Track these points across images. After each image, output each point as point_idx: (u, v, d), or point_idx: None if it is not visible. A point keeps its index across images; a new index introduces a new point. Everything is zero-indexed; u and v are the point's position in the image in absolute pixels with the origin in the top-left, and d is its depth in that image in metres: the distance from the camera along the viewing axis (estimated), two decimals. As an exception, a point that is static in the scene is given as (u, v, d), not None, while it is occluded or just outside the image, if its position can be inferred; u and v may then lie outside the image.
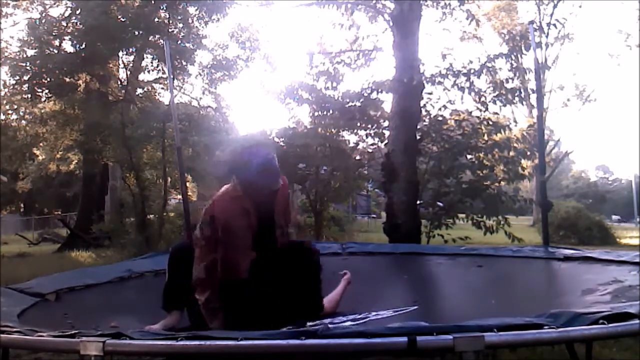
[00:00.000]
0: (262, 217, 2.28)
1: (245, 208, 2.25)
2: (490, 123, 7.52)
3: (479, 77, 7.31)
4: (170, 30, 10.85)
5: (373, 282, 3.51)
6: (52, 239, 16.27)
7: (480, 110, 7.52)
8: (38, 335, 1.75)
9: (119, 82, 12.56)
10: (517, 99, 7.47)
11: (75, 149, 14.07)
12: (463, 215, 7.49)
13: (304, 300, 2.26)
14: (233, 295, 2.20)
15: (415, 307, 2.65)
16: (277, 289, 2.23)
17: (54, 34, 10.98)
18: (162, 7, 10.87)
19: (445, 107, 7.68)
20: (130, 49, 11.27)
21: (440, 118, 7.76)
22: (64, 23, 11.32)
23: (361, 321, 2.47)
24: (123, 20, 10.37)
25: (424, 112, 7.46)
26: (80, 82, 11.50)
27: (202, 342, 1.55)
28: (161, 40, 10.19)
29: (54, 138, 14.09)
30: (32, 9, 12.99)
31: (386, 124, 8.03)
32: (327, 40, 9.73)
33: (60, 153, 15.59)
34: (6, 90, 12.25)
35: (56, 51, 11.02)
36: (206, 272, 2.27)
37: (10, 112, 13.87)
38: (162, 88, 13.17)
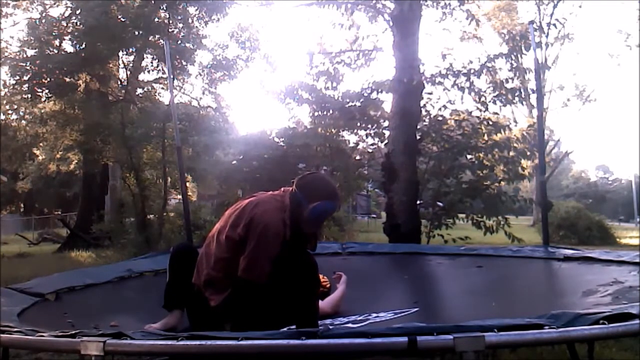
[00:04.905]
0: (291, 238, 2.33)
1: (285, 221, 2.29)
2: (490, 123, 7.50)
3: (479, 77, 7.29)
4: (170, 30, 10.85)
5: (373, 282, 3.51)
6: (52, 239, 16.24)
7: (480, 110, 7.50)
8: (38, 335, 1.75)
9: (119, 82, 12.55)
10: (517, 99, 7.45)
11: (75, 149, 14.06)
12: (463, 215, 7.48)
13: (295, 312, 2.28)
14: (249, 297, 2.21)
15: (416, 310, 2.65)
16: (283, 298, 2.25)
17: (54, 34, 10.98)
18: (162, 7, 10.87)
19: (445, 107, 7.65)
20: (130, 49, 11.27)
21: (440, 118, 7.74)
22: (64, 23, 11.32)
23: (362, 323, 2.47)
24: (123, 20, 10.37)
25: (424, 112, 7.44)
26: (80, 82, 11.49)
27: (203, 342, 1.55)
28: (161, 40, 10.19)
29: (54, 138, 14.08)
30: (32, 9, 12.98)
31: (386, 124, 8.01)
32: (327, 40, 9.69)
33: (60, 153, 15.58)
34: (6, 90, 12.25)
35: (56, 51, 11.02)
36: (226, 271, 2.27)
37: (10, 112, 13.86)
38: (162, 88, 13.15)
